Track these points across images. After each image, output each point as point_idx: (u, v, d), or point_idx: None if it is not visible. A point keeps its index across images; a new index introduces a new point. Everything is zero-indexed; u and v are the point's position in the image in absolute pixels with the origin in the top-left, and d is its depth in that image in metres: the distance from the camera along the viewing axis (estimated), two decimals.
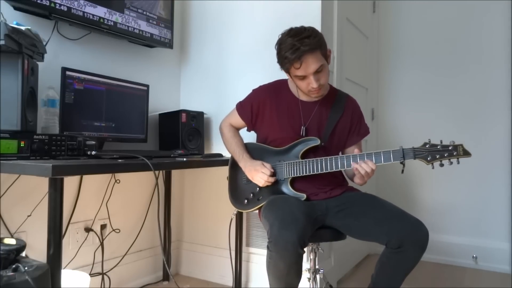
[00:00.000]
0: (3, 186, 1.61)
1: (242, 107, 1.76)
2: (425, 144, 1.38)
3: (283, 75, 1.68)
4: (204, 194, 2.52)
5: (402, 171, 1.41)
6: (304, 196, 1.54)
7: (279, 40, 1.52)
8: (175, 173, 2.49)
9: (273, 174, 1.57)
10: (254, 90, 1.77)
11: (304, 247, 1.31)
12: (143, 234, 2.31)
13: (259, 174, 1.56)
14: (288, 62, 1.46)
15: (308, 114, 1.64)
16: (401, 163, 1.38)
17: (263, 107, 1.70)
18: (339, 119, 1.64)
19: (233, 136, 1.76)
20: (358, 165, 1.43)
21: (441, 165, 1.36)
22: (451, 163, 1.35)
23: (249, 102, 1.74)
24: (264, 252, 1.41)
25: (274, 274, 1.38)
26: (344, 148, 1.69)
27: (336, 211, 1.52)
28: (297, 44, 1.43)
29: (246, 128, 1.80)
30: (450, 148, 1.35)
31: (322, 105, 1.66)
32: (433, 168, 1.37)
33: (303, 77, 1.50)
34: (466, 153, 1.34)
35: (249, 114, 1.73)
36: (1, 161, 1.23)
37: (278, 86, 1.73)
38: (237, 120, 1.78)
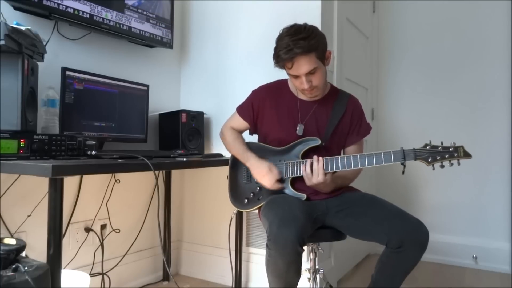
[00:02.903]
0: (3, 186, 1.61)
1: (243, 109, 1.76)
2: (426, 145, 1.38)
3: (282, 75, 1.68)
4: (204, 194, 2.52)
5: (403, 172, 1.41)
6: (305, 196, 1.54)
7: (279, 36, 1.52)
8: (175, 173, 2.49)
9: (280, 179, 1.56)
10: (253, 91, 1.77)
11: (303, 246, 1.31)
12: (143, 234, 2.31)
13: (264, 179, 1.56)
14: (281, 61, 1.49)
15: (306, 112, 1.64)
16: (402, 164, 1.38)
17: (263, 107, 1.70)
18: (341, 119, 1.64)
19: (235, 138, 1.75)
20: (303, 164, 1.48)
21: (442, 166, 1.36)
22: (452, 164, 1.36)
23: (250, 102, 1.73)
24: (264, 252, 1.41)
25: (273, 273, 1.38)
26: (344, 147, 1.69)
27: (336, 211, 1.52)
28: (291, 45, 1.43)
29: (248, 132, 1.80)
30: (451, 149, 1.35)
31: (322, 105, 1.66)
32: (433, 169, 1.37)
33: (296, 77, 1.52)
34: (467, 155, 1.34)
35: (250, 114, 1.72)
36: (1, 161, 1.23)
37: (278, 86, 1.73)
38: (239, 122, 1.77)
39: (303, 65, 1.46)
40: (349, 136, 1.67)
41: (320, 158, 1.46)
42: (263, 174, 1.56)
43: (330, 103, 1.66)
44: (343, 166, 1.45)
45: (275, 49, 1.51)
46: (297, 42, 1.43)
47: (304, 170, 1.47)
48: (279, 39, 1.50)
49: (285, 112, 1.66)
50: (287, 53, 1.44)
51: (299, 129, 1.62)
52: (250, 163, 1.63)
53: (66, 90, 1.73)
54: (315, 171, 1.45)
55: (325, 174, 1.45)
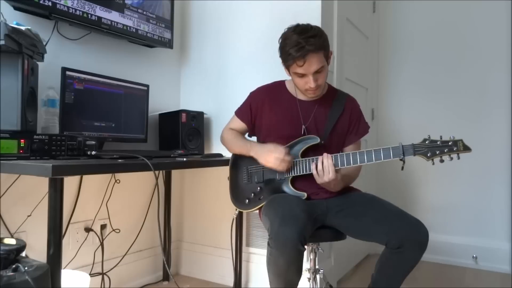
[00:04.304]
0: (3, 186, 1.61)
1: (241, 111, 1.76)
2: (424, 140, 1.37)
3: (282, 75, 1.68)
4: (204, 194, 2.52)
5: (402, 168, 1.40)
6: (305, 195, 1.54)
7: (284, 34, 1.52)
8: (175, 173, 2.49)
9: (288, 154, 1.52)
10: (251, 93, 1.77)
11: (304, 244, 1.31)
12: (143, 234, 2.31)
13: (272, 160, 1.51)
14: (292, 59, 1.47)
15: (308, 113, 1.65)
16: (401, 159, 1.38)
17: (261, 108, 1.70)
18: (339, 118, 1.64)
19: (235, 136, 1.75)
20: (314, 163, 1.46)
21: (441, 161, 1.35)
22: (451, 158, 1.34)
23: (248, 104, 1.74)
24: (264, 252, 1.41)
25: (274, 271, 1.38)
26: (343, 147, 1.69)
27: (336, 211, 1.52)
28: (302, 42, 1.43)
29: (247, 134, 1.80)
30: (450, 143, 1.34)
31: (321, 104, 1.66)
32: (433, 164, 1.36)
33: (302, 75, 1.51)
34: (466, 148, 1.33)
35: (248, 115, 1.72)
36: (1, 161, 1.23)
37: (276, 87, 1.74)
38: (237, 125, 1.77)
39: (314, 63, 1.46)
40: (347, 136, 1.67)
41: (329, 155, 1.45)
42: (269, 154, 1.52)
43: (328, 103, 1.67)
44: (348, 162, 1.45)
45: (283, 47, 1.50)
46: (308, 39, 1.43)
47: (315, 168, 1.46)
48: (286, 38, 1.49)
49: (284, 113, 1.66)
50: (299, 51, 1.43)
51: (304, 130, 1.62)
52: (254, 151, 1.61)
53: (66, 90, 1.72)
54: (325, 168, 1.43)
55: (336, 171, 1.44)
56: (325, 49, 1.49)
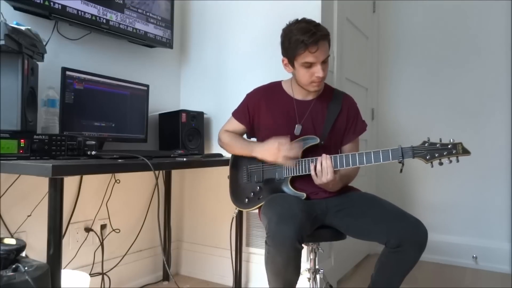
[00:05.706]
0: (3, 186, 1.61)
1: (239, 112, 1.76)
2: (424, 142, 1.37)
3: (282, 75, 1.68)
4: (204, 194, 2.52)
5: (401, 170, 1.40)
6: (304, 195, 1.54)
7: (287, 28, 1.52)
8: (175, 173, 2.49)
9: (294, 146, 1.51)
10: (248, 94, 1.77)
11: (302, 243, 1.31)
12: (143, 234, 2.31)
13: (278, 155, 1.48)
14: (304, 46, 1.45)
15: (303, 112, 1.64)
16: (400, 162, 1.38)
17: (258, 109, 1.70)
18: (337, 117, 1.64)
19: (233, 138, 1.75)
20: (313, 164, 1.46)
21: (441, 163, 1.35)
22: (451, 161, 1.34)
23: (245, 105, 1.74)
24: (264, 252, 1.41)
25: (272, 270, 1.38)
26: (341, 146, 1.69)
27: (335, 211, 1.52)
28: (313, 29, 1.44)
29: (245, 135, 1.80)
30: (449, 146, 1.34)
31: (318, 103, 1.66)
32: (432, 166, 1.36)
33: (310, 65, 1.50)
34: (466, 152, 1.33)
35: (246, 116, 1.72)
36: (1, 161, 1.23)
37: (272, 87, 1.73)
38: (235, 126, 1.77)
39: (324, 50, 1.48)
40: (346, 135, 1.67)
41: (328, 156, 1.45)
42: (275, 150, 1.50)
43: (325, 102, 1.67)
44: (347, 163, 1.44)
45: (290, 38, 1.48)
46: (317, 27, 1.46)
47: (314, 169, 1.45)
48: (291, 30, 1.49)
49: (282, 113, 1.66)
50: (312, 36, 1.43)
51: (297, 129, 1.62)
52: (256, 151, 1.58)
53: (66, 90, 1.73)
54: (324, 169, 1.43)
55: (334, 172, 1.44)
56: (329, 39, 1.52)
